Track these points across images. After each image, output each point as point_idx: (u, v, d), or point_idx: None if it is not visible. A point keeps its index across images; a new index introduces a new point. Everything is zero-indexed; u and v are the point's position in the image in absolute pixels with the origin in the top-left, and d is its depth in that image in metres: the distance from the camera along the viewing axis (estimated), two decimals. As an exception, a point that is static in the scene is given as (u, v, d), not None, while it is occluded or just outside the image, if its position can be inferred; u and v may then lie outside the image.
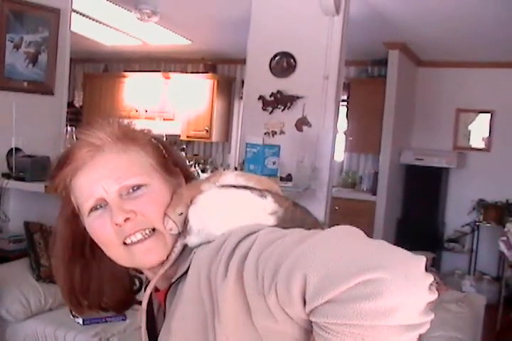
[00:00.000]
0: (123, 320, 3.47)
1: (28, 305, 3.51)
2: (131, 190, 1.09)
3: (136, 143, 1.13)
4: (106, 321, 3.45)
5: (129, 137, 1.13)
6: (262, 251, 0.90)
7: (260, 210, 1.05)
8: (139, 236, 1.08)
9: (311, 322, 0.84)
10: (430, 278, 0.80)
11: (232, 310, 0.92)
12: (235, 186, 1.08)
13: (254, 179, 1.12)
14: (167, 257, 1.10)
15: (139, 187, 1.09)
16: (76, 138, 1.13)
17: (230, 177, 1.11)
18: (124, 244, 1.09)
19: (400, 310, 0.76)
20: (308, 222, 1.06)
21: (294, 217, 1.06)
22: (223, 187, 1.08)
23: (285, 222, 1.04)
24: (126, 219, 1.07)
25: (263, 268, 0.87)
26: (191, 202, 1.08)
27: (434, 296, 0.79)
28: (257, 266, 0.88)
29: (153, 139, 1.18)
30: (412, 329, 0.78)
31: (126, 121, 1.17)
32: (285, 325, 0.88)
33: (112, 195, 1.08)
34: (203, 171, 7.49)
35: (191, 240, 1.06)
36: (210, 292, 0.95)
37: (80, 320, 3.42)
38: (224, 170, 6.01)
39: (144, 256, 1.09)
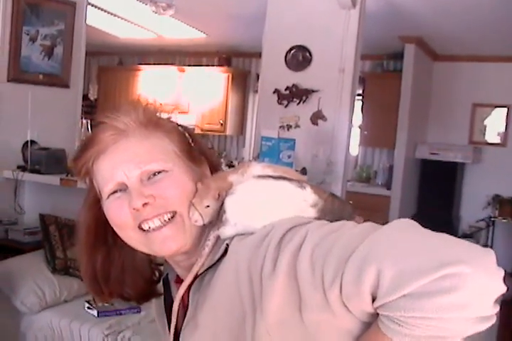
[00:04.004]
0: (138, 312, 3.47)
1: (43, 296, 3.53)
2: (151, 175, 1.07)
3: (161, 129, 1.12)
4: (120, 313, 3.45)
5: (154, 123, 1.12)
6: (316, 245, 0.89)
7: (302, 202, 1.02)
8: (157, 222, 1.06)
9: (373, 314, 0.85)
10: (502, 271, 0.81)
11: (279, 304, 0.91)
12: (272, 176, 1.05)
13: (280, 170, 1.09)
14: (194, 246, 1.09)
15: (159, 172, 1.07)
16: (100, 122, 1.12)
17: (258, 168, 1.09)
18: (142, 229, 1.07)
19: (478, 303, 0.77)
20: (346, 214, 1.05)
21: (334, 208, 1.04)
22: (260, 177, 1.05)
23: (325, 214, 1.02)
24: (145, 204, 1.05)
25: (322, 262, 0.86)
26: (219, 194, 1.05)
27: (505, 288, 0.80)
28: (313, 261, 0.87)
29: (179, 127, 1.16)
30: (486, 320, 0.80)
31: (152, 107, 1.15)
32: (343, 318, 0.88)
33: (132, 180, 1.06)
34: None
35: (225, 232, 1.03)
36: (251, 286, 0.94)
37: (95, 312, 3.43)
38: (238, 163, 6.01)
39: (162, 244, 1.07)
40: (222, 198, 1.05)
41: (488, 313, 0.79)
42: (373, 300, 0.82)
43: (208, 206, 1.05)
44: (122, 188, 1.08)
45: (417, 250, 0.82)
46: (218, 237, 1.05)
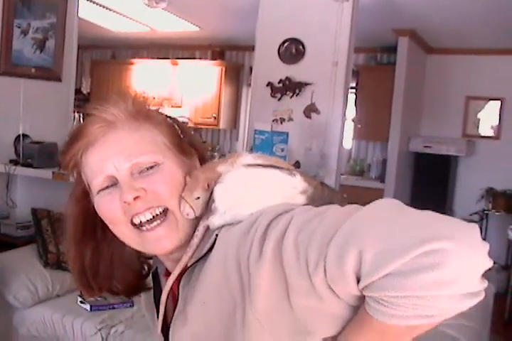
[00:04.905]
0: (130, 306, 3.47)
1: (36, 291, 3.52)
2: (144, 170, 1.06)
3: (150, 121, 1.11)
4: (113, 308, 3.45)
5: (143, 114, 1.11)
6: (300, 230, 0.87)
7: (291, 189, 1.01)
8: (148, 215, 1.05)
9: (361, 297, 0.83)
10: (487, 245, 0.79)
11: (267, 291, 0.90)
12: (261, 165, 1.04)
13: (272, 160, 1.08)
14: (187, 241, 1.07)
15: (152, 167, 1.06)
16: (88, 114, 1.10)
17: (249, 158, 1.07)
18: (134, 224, 1.06)
19: (463, 279, 0.75)
20: (336, 202, 1.03)
21: (323, 195, 1.03)
22: (250, 166, 1.04)
23: (315, 201, 1.01)
24: (136, 198, 1.03)
25: (305, 247, 0.85)
26: (208, 185, 1.04)
27: (491, 263, 0.78)
28: (298, 246, 0.86)
29: (168, 119, 1.15)
30: (472, 296, 0.78)
31: (141, 99, 1.14)
32: (330, 302, 0.87)
33: (122, 173, 1.05)
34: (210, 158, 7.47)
35: (214, 221, 1.01)
36: (240, 274, 0.93)
37: (88, 307, 3.42)
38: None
39: (157, 243, 1.06)
40: (212, 188, 1.04)
41: (475, 289, 0.77)
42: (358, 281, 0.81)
43: (199, 197, 1.04)
44: (113, 183, 1.07)
45: (398, 228, 0.80)
46: (208, 227, 1.04)
